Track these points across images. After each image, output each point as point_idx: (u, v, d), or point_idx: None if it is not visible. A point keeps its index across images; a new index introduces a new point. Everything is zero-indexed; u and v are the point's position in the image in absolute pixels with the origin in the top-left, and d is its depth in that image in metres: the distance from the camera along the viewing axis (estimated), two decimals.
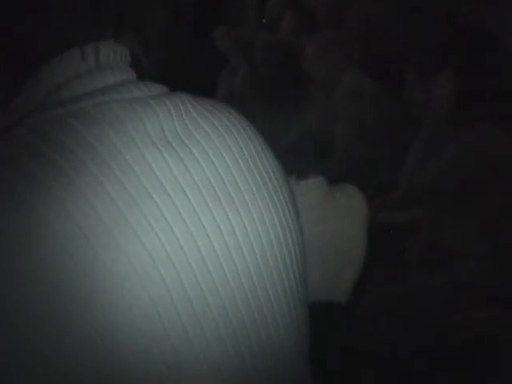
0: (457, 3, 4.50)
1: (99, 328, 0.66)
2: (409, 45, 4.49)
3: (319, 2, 4.78)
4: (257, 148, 0.88)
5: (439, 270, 2.69)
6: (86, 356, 0.65)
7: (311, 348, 0.91)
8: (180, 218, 0.75)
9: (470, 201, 2.62)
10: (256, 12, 5.28)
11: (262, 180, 0.86)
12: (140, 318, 0.68)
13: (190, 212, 0.76)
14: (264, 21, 4.64)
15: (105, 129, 0.73)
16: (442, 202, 2.77)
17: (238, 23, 4.93)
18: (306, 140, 1.99)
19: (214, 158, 0.80)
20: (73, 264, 0.65)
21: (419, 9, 4.62)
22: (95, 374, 0.66)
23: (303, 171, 1.95)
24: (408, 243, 2.91)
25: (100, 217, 0.68)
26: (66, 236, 0.66)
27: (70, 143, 0.70)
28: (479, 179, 2.59)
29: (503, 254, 2.56)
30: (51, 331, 0.64)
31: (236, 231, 0.79)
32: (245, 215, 0.81)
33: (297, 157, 1.87)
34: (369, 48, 4.06)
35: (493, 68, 2.74)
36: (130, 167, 0.73)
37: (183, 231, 0.75)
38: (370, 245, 1.93)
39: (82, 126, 0.72)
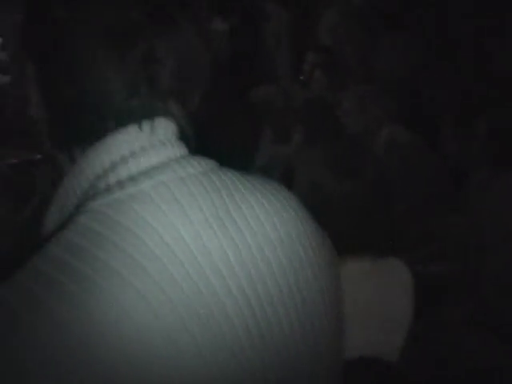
0: (487, 48, 4.52)
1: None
2: (442, 96, 4.53)
3: (352, 56, 4.85)
4: (305, 229, 0.91)
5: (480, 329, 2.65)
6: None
7: None
8: (231, 295, 0.79)
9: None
10: (290, 69, 5.34)
11: (305, 261, 0.89)
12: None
13: (240, 290, 0.80)
14: (302, 78, 4.70)
15: (164, 209, 0.78)
16: (482, 254, 2.75)
17: (271, 80, 4.99)
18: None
19: (262, 239, 0.84)
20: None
21: (450, 58, 4.66)
22: None
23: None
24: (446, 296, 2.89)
25: (163, 289, 0.74)
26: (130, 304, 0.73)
27: (132, 226, 0.76)
28: None
29: None
30: None
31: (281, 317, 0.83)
32: (288, 296, 0.85)
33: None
34: (403, 100, 4.10)
35: None
36: (188, 246, 0.78)
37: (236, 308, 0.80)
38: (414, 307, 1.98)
39: (144, 211, 0.78)
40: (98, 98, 0.82)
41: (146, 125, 0.83)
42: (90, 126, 0.83)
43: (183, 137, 0.87)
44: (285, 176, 4.18)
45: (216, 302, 0.78)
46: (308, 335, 0.86)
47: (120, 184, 0.80)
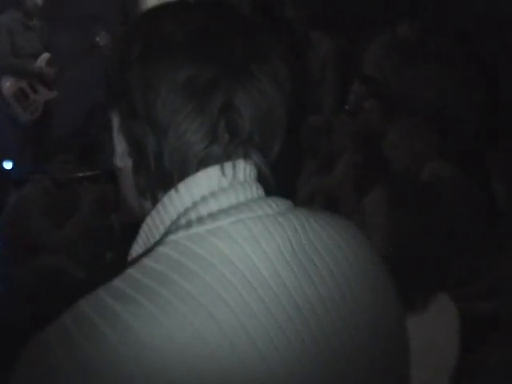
0: None
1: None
2: (487, 130, 4.53)
3: (397, 88, 4.87)
4: (375, 265, 0.95)
5: None
6: None
7: None
8: (309, 328, 0.83)
9: None
10: (335, 99, 5.36)
11: (378, 297, 0.92)
12: None
13: (318, 324, 0.83)
14: (347, 108, 4.73)
15: (241, 245, 0.82)
16: None
17: (315, 110, 5.01)
18: None
19: (337, 274, 0.88)
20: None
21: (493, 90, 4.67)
22: None
23: None
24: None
25: (238, 317, 0.78)
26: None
27: (211, 258, 0.80)
28: None
29: None
30: None
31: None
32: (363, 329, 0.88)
33: None
34: (448, 134, 4.10)
35: None
36: (268, 283, 0.82)
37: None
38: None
39: (222, 243, 0.82)
40: (179, 147, 0.86)
41: (229, 166, 0.87)
42: (172, 172, 0.87)
43: (260, 178, 0.90)
44: (328, 206, 4.19)
45: (292, 331, 0.81)
46: (385, 374, 0.90)
47: (200, 220, 0.84)
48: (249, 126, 0.87)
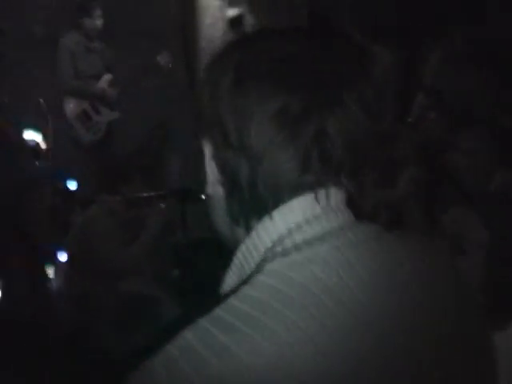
0: None
1: None
2: None
3: (460, 99, 4.82)
4: (463, 287, 0.97)
5: None
6: None
7: None
8: (409, 356, 0.85)
9: None
10: (397, 111, 5.32)
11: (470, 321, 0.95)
12: None
13: (416, 351, 0.86)
14: (410, 120, 4.69)
15: (338, 271, 0.84)
16: None
17: None
18: None
19: (429, 302, 0.90)
20: None
21: None
22: None
23: None
24: None
25: (341, 346, 0.81)
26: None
27: (311, 286, 0.82)
28: None
29: None
30: None
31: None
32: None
33: None
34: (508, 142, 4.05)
35: None
36: (364, 307, 0.84)
37: None
38: None
39: (319, 270, 0.84)
40: (273, 175, 0.88)
41: (319, 194, 0.89)
42: (265, 199, 0.89)
43: (351, 204, 0.92)
44: (391, 221, 4.16)
45: (388, 360, 0.83)
46: None
47: (296, 247, 0.86)
48: (340, 154, 0.88)
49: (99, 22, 6.29)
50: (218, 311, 0.82)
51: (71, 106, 6.16)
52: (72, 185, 5.87)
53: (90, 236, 4.45)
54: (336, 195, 0.90)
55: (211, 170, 0.95)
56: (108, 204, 4.58)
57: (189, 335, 0.80)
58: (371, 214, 0.93)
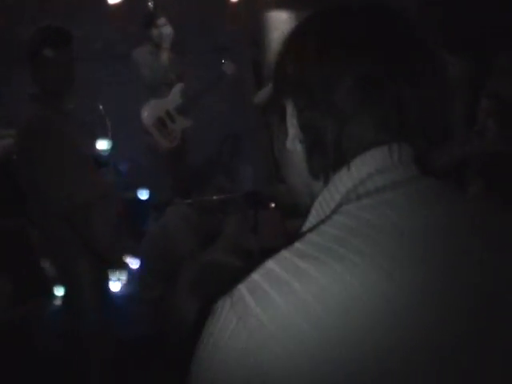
0: None
1: None
2: None
3: None
4: None
5: None
6: None
7: None
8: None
9: None
10: (465, 119, 5.30)
11: None
12: None
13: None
14: (476, 128, 4.68)
15: (408, 213, 0.93)
16: None
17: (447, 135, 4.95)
18: None
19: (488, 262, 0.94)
20: None
21: None
22: None
23: None
24: None
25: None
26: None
27: (382, 224, 0.91)
28: None
29: None
30: None
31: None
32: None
33: None
34: None
35: None
36: (435, 253, 0.91)
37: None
38: None
39: (390, 211, 0.92)
40: (355, 133, 0.98)
41: (391, 149, 0.98)
42: (346, 154, 0.98)
43: (420, 161, 1.01)
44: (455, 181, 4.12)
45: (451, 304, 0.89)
46: None
47: (368, 194, 0.96)
48: (415, 116, 0.98)
49: (166, 31, 6.39)
50: (298, 245, 0.90)
51: (147, 114, 6.27)
52: (143, 194, 5.95)
53: (165, 241, 4.55)
54: (407, 151, 0.99)
55: (292, 127, 1.02)
56: (182, 209, 4.67)
57: (270, 264, 0.89)
58: (436, 172, 1.01)
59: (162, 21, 6.37)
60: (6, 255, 3.03)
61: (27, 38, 3.67)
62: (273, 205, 4.72)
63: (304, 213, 1.04)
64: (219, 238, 4.49)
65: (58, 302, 3.64)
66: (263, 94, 5.61)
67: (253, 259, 4.58)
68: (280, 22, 8.67)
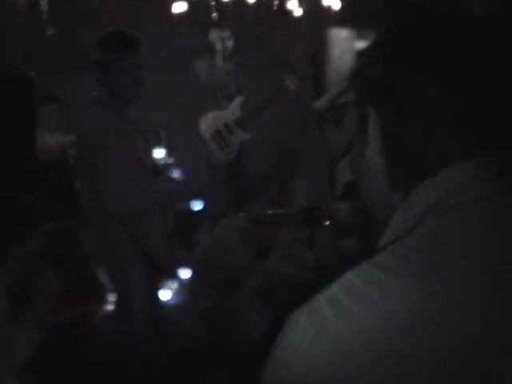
0: None
1: None
2: None
3: None
4: None
5: None
6: None
7: None
8: None
9: None
10: None
11: None
12: None
13: None
14: None
15: (484, 233, 0.91)
16: None
17: None
18: None
19: None
20: None
21: None
22: None
23: None
24: None
25: None
26: None
27: (460, 241, 0.89)
28: None
29: None
30: None
31: None
32: None
33: None
34: None
35: None
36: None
37: None
38: None
39: (471, 228, 0.91)
40: (438, 144, 0.96)
41: (474, 163, 0.96)
42: (429, 166, 0.97)
43: (502, 172, 0.97)
44: None
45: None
46: None
47: (450, 209, 0.93)
48: (502, 128, 0.96)
49: (229, 44, 6.41)
50: (378, 257, 0.90)
51: (205, 126, 6.29)
52: (197, 205, 5.97)
53: (219, 252, 4.54)
54: (493, 164, 0.96)
55: (373, 136, 1.02)
56: (237, 222, 4.65)
57: (350, 275, 0.88)
58: None
59: (227, 34, 6.40)
60: (56, 255, 3.05)
61: (93, 43, 3.70)
62: (328, 222, 4.67)
63: (379, 226, 1.02)
64: (273, 252, 4.46)
65: (109, 308, 3.64)
66: (324, 101, 5.61)
67: (306, 275, 4.54)
68: (341, 38, 8.67)
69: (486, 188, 0.95)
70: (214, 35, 6.42)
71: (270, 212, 4.81)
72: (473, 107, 0.94)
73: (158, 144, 3.96)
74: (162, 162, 3.88)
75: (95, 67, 3.66)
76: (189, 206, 5.86)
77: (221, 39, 6.41)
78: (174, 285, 4.30)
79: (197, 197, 5.90)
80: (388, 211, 1.01)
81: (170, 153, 4.03)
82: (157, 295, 3.85)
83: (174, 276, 4.18)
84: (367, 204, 1.08)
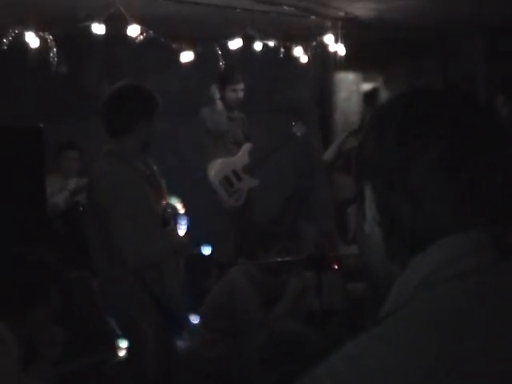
0: None
1: None
2: None
3: None
4: None
5: None
6: None
7: None
8: None
9: None
10: None
11: None
12: None
13: None
14: None
15: (482, 305, 0.92)
16: None
17: None
18: None
19: None
20: None
21: None
22: None
23: None
24: None
25: None
26: None
27: (454, 313, 0.90)
28: None
29: None
30: None
31: None
32: None
33: None
34: None
35: None
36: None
37: None
38: None
39: (465, 300, 0.92)
40: (431, 216, 0.98)
41: (470, 235, 0.98)
42: (422, 238, 0.99)
43: (497, 246, 0.99)
44: None
45: None
46: None
47: (445, 281, 0.94)
48: (489, 200, 0.98)
49: (240, 95, 6.46)
50: (377, 329, 0.92)
51: (214, 172, 6.32)
52: (207, 250, 5.97)
53: (229, 299, 4.55)
54: (484, 235, 0.98)
55: (370, 210, 1.05)
56: (246, 268, 4.68)
57: (349, 347, 0.90)
58: None
59: (240, 86, 6.44)
60: (66, 305, 3.05)
61: (105, 94, 3.74)
62: (336, 266, 4.70)
63: (380, 292, 1.05)
64: (282, 299, 4.49)
65: (120, 356, 3.64)
66: (330, 152, 5.66)
67: (314, 320, 4.56)
68: (347, 82, 8.75)
69: (478, 259, 0.97)
70: (228, 87, 6.41)
71: (278, 259, 4.84)
72: (460, 181, 0.98)
73: (169, 192, 3.97)
74: (169, 209, 3.88)
75: (108, 127, 3.70)
76: (198, 251, 5.88)
77: (236, 92, 6.41)
78: (184, 332, 4.30)
79: (205, 242, 5.91)
80: (390, 281, 1.03)
81: (179, 200, 4.04)
82: (169, 343, 3.85)
83: (186, 323, 4.18)
84: (371, 273, 1.10)
